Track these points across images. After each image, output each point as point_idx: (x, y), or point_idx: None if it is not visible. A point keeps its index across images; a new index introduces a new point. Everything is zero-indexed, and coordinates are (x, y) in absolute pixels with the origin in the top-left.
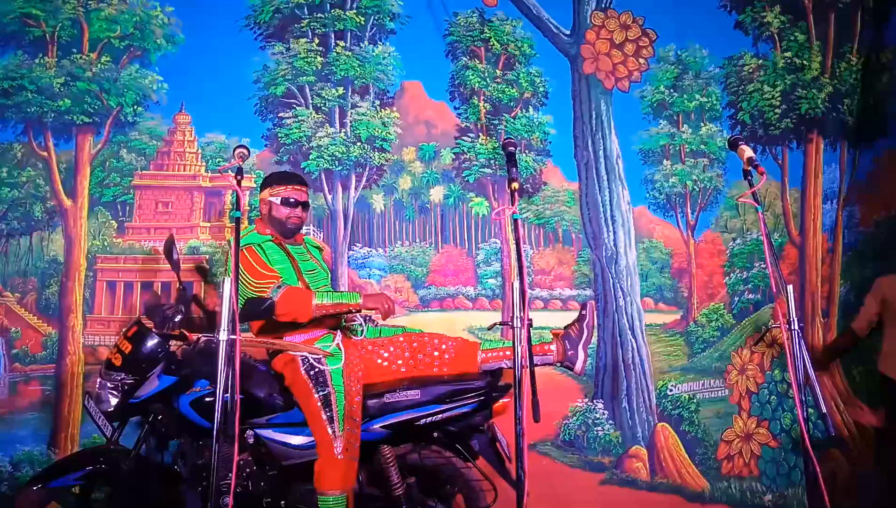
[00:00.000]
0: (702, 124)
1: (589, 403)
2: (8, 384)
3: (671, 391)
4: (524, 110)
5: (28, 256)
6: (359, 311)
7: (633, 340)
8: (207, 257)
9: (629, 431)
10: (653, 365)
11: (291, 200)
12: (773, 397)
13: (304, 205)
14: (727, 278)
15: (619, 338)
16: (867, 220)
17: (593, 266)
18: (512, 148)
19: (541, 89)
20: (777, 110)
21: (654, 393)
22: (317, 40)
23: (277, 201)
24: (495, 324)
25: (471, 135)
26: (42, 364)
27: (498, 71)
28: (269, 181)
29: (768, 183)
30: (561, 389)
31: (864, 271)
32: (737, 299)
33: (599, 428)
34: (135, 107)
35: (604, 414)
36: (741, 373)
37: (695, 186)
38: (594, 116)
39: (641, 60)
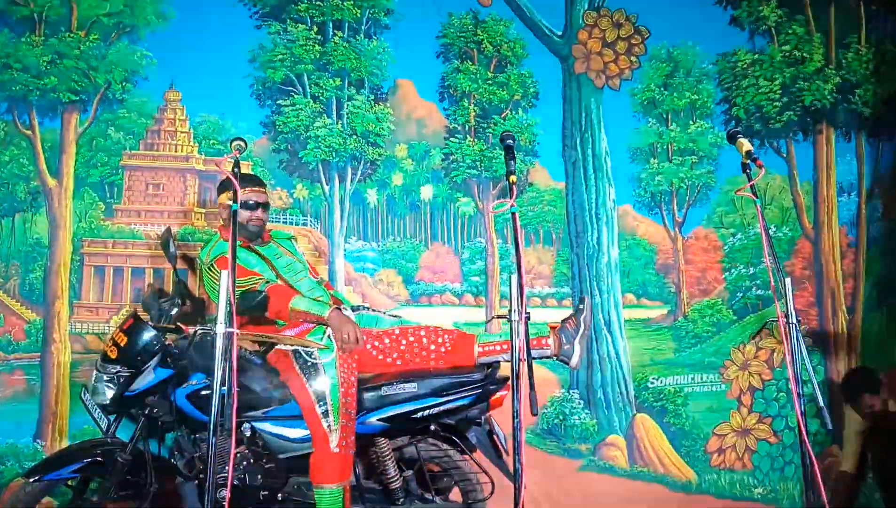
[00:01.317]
0: (691, 122)
1: (565, 393)
2: None
3: (652, 383)
4: (513, 112)
5: (10, 238)
6: (322, 324)
7: (608, 335)
8: (203, 244)
9: (605, 420)
10: (632, 359)
11: (251, 202)
12: (781, 394)
13: (265, 206)
14: (727, 273)
15: (594, 333)
16: (889, 213)
17: (571, 265)
18: (510, 141)
19: (531, 90)
20: (776, 104)
21: (631, 385)
22: (315, 28)
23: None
24: (493, 317)
25: (458, 136)
26: (26, 352)
27: (489, 73)
28: (226, 185)
29: (772, 177)
30: (539, 380)
31: (885, 266)
32: (739, 294)
33: (576, 417)
34: (123, 84)
35: (580, 404)
36: (742, 369)
37: (682, 184)
38: (584, 116)
39: (633, 58)
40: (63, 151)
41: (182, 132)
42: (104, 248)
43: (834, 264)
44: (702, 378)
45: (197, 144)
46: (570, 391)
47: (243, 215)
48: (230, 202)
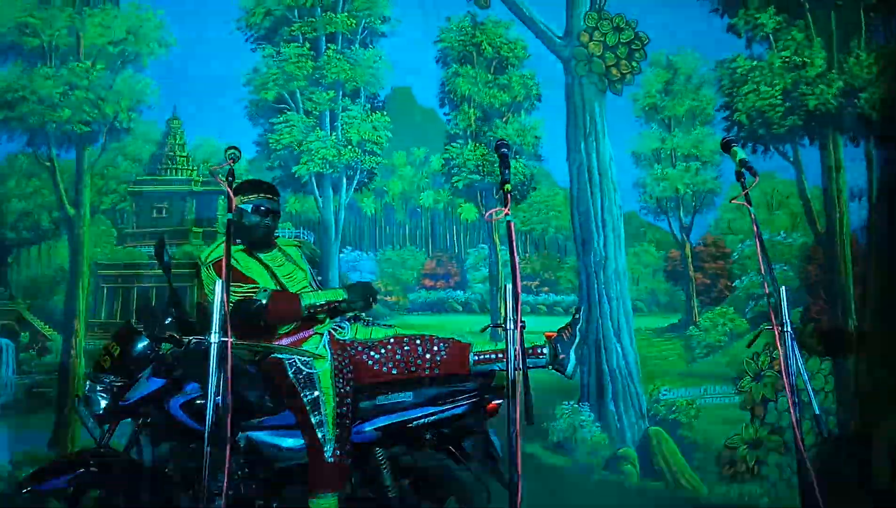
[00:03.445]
0: (693, 128)
1: (575, 405)
2: (15, 387)
3: (664, 395)
4: (516, 115)
5: (37, 264)
6: (342, 302)
7: (619, 345)
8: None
9: (617, 434)
10: (643, 369)
11: (262, 207)
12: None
13: (276, 215)
14: (738, 281)
15: (603, 343)
16: (894, 218)
17: (579, 272)
18: (505, 149)
19: (533, 92)
20: (779, 109)
21: (643, 397)
22: (308, 45)
23: (248, 208)
24: (488, 327)
25: (460, 141)
26: (47, 367)
27: (490, 75)
28: (239, 189)
29: (780, 182)
30: (547, 391)
31: (891, 271)
32: (752, 302)
33: (587, 430)
34: (129, 113)
35: (590, 416)
36: (756, 379)
37: (687, 190)
38: (588, 119)
39: (634, 64)
40: (79, 180)
41: (181, 156)
42: (116, 270)
43: (844, 270)
44: (715, 390)
45: (195, 168)
46: (581, 404)
47: (253, 219)
48: (242, 205)
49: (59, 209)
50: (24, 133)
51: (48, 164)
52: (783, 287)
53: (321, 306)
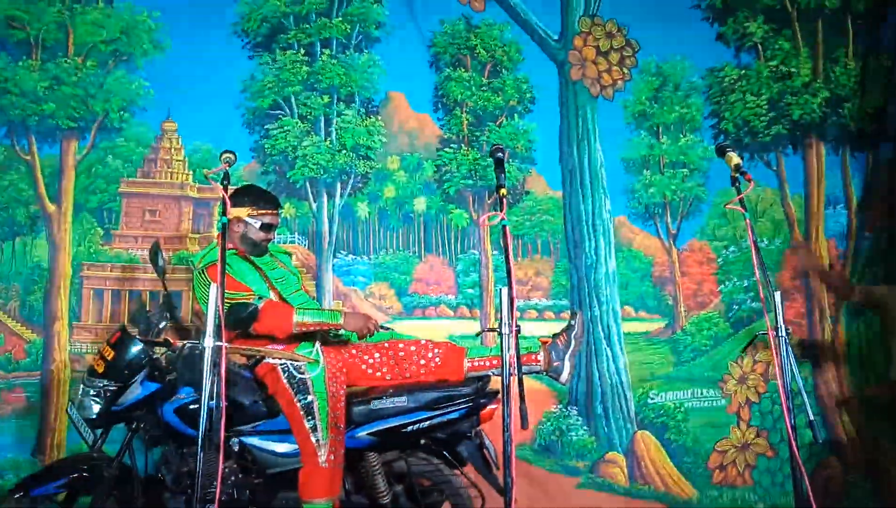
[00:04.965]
0: (681, 135)
1: (563, 409)
2: None
3: (652, 399)
4: (509, 118)
5: (11, 261)
6: (335, 327)
7: (608, 349)
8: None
9: (604, 437)
10: (631, 373)
11: (271, 225)
12: (776, 406)
13: (277, 227)
14: (722, 286)
15: (593, 346)
16: (869, 226)
17: (570, 276)
18: (500, 154)
19: (527, 95)
20: (763, 118)
21: (631, 401)
22: (302, 50)
23: (257, 224)
24: (484, 331)
25: (453, 146)
26: (26, 371)
27: (484, 79)
28: (247, 201)
29: (762, 189)
30: (535, 394)
31: (868, 277)
32: (735, 307)
33: (573, 434)
34: (121, 113)
35: (578, 420)
36: (741, 382)
37: (674, 196)
38: (580, 123)
39: (625, 70)
40: (62, 176)
41: (177, 161)
42: (103, 271)
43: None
44: (702, 393)
45: (191, 173)
46: (569, 408)
47: (260, 234)
48: (249, 219)
49: (38, 204)
50: (2, 125)
51: (28, 158)
52: (777, 293)
53: (312, 324)
